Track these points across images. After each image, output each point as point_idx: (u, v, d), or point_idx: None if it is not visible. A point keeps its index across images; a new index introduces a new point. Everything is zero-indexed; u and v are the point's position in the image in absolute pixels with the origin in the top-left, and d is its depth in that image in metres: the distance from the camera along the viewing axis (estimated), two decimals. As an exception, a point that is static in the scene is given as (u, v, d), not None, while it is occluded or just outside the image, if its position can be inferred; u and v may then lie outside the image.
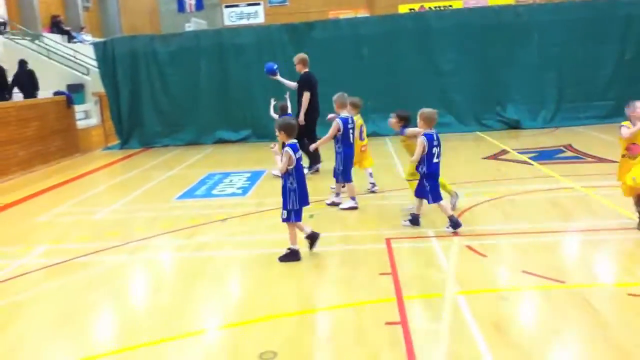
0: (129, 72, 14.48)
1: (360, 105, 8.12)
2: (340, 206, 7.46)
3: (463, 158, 10.64)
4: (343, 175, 7.41)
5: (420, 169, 6.24)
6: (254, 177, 9.93)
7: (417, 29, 13.74)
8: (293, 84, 10.05)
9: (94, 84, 16.41)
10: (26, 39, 18.13)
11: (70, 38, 23.01)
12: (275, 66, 10.38)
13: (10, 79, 13.11)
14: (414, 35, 13.72)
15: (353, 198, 7.44)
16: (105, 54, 14.55)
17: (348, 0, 29.14)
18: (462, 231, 6.13)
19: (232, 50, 14.15)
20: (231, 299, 5.00)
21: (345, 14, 29.47)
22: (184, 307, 4.77)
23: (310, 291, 5.01)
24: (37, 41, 18.12)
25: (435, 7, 27.67)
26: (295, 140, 5.64)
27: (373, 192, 8.17)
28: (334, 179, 7.62)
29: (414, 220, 6.46)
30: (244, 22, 28.74)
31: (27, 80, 13.13)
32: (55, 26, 23.25)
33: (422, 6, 28.38)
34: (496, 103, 13.80)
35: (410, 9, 27.75)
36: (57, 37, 21.22)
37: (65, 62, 17.39)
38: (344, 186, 7.55)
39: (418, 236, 6.18)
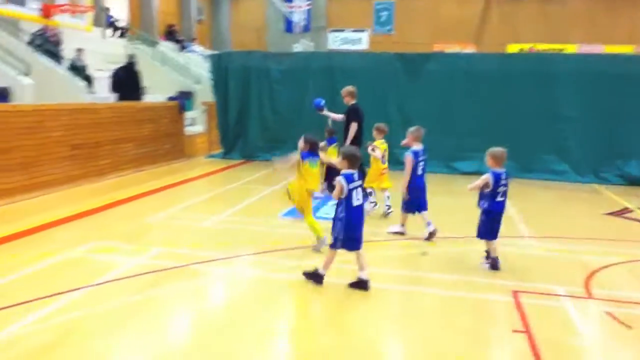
0: (240, 85, 14.78)
1: (386, 131, 8.79)
2: (388, 230, 7.73)
3: (582, 211, 9.93)
4: (407, 205, 7.56)
5: (481, 204, 6.23)
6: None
7: (539, 70, 13.11)
8: (339, 117, 10.37)
9: (203, 93, 16.94)
10: (144, 45, 19.06)
11: (182, 48, 24.06)
12: (323, 102, 10.78)
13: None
14: (534, 77, 13.10)
15: (402, 225, 7.67)
16: (220, 66, 14.94)
17: (455, 34, 28.73)
18: (598, 294, 5.57)
19: (342, 74, 14.09)
20: (344, 338, 4.72)
21: (451, 49, 29.11)
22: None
23: (436, 340, 4.64)
24: (153, 47, 18.95)
25: (546, 50, 26.77)
26: (353, 171, 5.55)
27: (388, 214, 8.52)
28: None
29: (494, 265, 6.24)
30: (348, 47, 28.99)
31: (130, 79, 13.60)
32: (170, 35, 24.40)
33: (532, 47, 27.52)
34: (617, 156, 12.87)
35: (520, 49, 26.98)
36: (170, 46, 22.24)
37: (178, 70, 18.04)
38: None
39: (547, 293, 5.67)
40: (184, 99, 15.53)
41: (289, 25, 28.09)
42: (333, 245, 5.59)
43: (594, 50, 26.26)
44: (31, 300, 4.97)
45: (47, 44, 12.77)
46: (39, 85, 10.92)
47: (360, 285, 5.54)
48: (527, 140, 13.20)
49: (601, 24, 27.34)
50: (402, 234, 7.60)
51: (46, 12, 13.81)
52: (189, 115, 15.66)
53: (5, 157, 8.67)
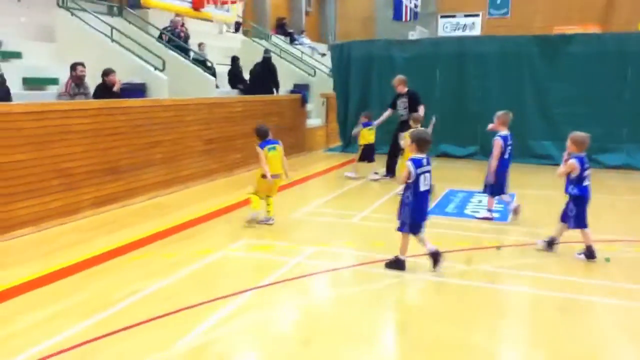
0: (362, 75, 14.35)
1: (421, 120, 9.52)
2: (477, 215, 7.86)
3: None
4: (492, 189, 7.67)
5: (570, 190, 6.08)
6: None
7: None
8: (386, 114, 11.08)
9: (319, 85, 16.67)
10: (257, 38, 19.10)
11: (292, 40, 24.00)
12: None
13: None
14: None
15: (490, 210, 7.79)
16: (341, 57, 14.59)
17: (578, 15, 26.60)
18: None
19: (473, 60, 13.27)
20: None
21: (572, 30, 27.02)
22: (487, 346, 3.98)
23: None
24: (267, 41, 18.95)
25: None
26: (422, 156, 5.54)
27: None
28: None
29: (590, 254, 6.01)
30: (459, 33, 27.71)
31: (267, 74, 13.53)
32: (280, 28, 24.41)
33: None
34: None
35: (654, 29, 24.48)
36: (281, 38, 22.22)
37: (294, 62, 17.90)
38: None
39: None
40: (304, 92, 15.34)
41: (397, 13, 27.32)
42: (401, 229, 5.65)
43: None
44: (203, 303, 4.75)
45: (177, 39, 12.97)
46: (173, 80, 11.05)
47: (435, 256, 5.55)
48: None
49: None
50: (489, 219, 7.69)
51: (198, 3, 13.99)
52: (307, 108, 15.43)
53: (150, 152, 8.74)
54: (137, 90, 10.50)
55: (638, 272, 5.71)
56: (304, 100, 13.97)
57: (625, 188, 10.24)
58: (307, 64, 18.43)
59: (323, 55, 23.48)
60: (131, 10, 13.07)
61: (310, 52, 22.87)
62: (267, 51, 14.09)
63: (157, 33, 13.05)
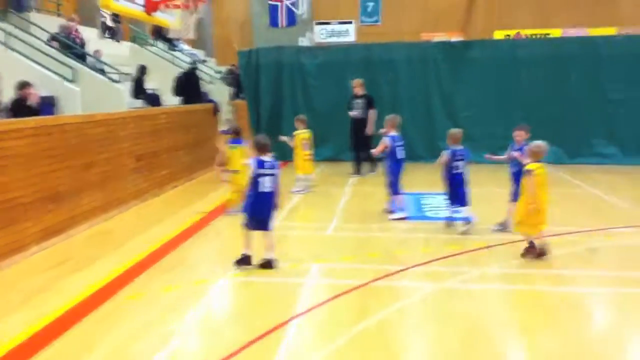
0: (272, 82, 14.08)
1: (306, 121, 10.46)
2: (390, 217, 8.04)
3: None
4: (392, 187, 8.16)
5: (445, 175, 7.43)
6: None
7: (583, 54, 13.03)
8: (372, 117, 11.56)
9: (216, 93, 16.06)
10: (139, 45, 17.90)
11: (172, 46, 22.89)
12: None
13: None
14: (578, 61, 13.01)
15: (402, 209, 8.11)
16: (249, 63, 14.19)
17: (443, 23, 28.61)
18: None
19: (382, 66, 13.62)
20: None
21: (438, 37, 28.98)
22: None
23: None
24: (154, 46, 17.88)
25: (532, 35, 27.03)
26: (267, 159, 5.87)
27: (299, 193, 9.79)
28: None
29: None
30: (334, 40, 28.41)
31: (191, 84, 12.88)
32: (158, 33, 23.14)
33: (518, 33, 27.72)
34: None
35: (506, 35, 27.12)
36: (161, 45, 21.07)
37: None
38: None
39: None
40: (214, 100, 14.68)
41: (273, 19, 27.24)
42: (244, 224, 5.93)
43: (578, 33, 26.73)
44: (270, 332, 4.28)
45: (74, 45, 11.65)
46: (84, 92, 9.91)
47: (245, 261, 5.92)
48: (575, 125, 13.13)
49: (583, 6, 27.81)
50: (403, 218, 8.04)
51: (151, 6, 12.64)
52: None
53: (86, 174, 7.74)
54: (45, 104, 9.23)
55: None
56: (216, 109, 13.36)
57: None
58: (204, 72, 17.64)
59: (204, 61, 22.69)
60: (16, 14, 11.52)
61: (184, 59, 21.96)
62: (193, 62, 13.35)
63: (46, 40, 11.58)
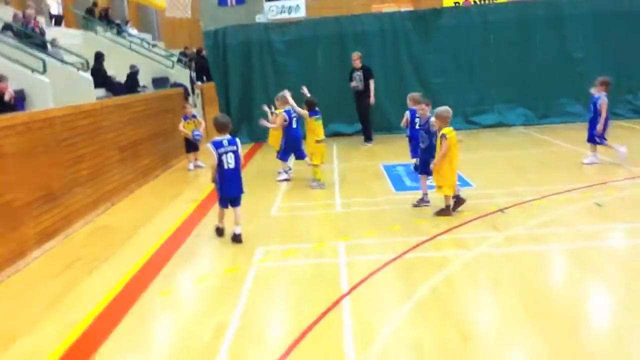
0: (241, 62, 13.72)
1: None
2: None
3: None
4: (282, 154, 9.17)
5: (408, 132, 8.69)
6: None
7: (549, 16, 13.29)
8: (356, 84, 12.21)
9: (177, 77, 15.55)
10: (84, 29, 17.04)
11: (119, 32, 21.95)
12: None
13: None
14: (544, 23, 13.28)
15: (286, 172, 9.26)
16: (216, 43, 13.78)
17: (392, -7, 28.61)
18: None
19: (353, 39, 13.47)
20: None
21: (388, 8, 28.94)
22: None
23: None
24: (113, 34, 17.09)
25: (481, 1, 27.38)
26: (223, 137, 6.10)
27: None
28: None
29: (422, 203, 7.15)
30: (285, 16, 27.93)
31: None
32: (104, 19, 22.13)
33: (466, 0, 28.03)
34: (627, 92, 13.43)
35: (455, 3, 27.35)
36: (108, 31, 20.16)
37: (149, 55, 16.44)
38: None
39: None
40: (158, 86, 14.22)
41: (221, -2, 26.56)
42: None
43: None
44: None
45: (33, 34, 10.95)
46: (53, 84, 9.34)
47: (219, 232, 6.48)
48: (543, 86, 13.43)
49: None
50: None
51: None
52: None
53: (76, 169, 7.32)
54: (17, 99, 8.67)
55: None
56: (187, 94, 12.93)
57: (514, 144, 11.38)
58: (143, 55, 16.94)
59: (154, 46, 21.90)
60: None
61: (140, 43, 21.17)
62: (133, 66, 12.85)
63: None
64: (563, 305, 4.26)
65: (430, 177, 6.89)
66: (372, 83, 11.98)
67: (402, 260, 5.32)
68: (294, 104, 8.75)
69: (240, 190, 6.18)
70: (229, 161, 6.01)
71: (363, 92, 12.00)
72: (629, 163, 8.45)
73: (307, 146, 8.80)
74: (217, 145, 5.98)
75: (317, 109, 8.57)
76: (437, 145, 6.60)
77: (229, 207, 6.21)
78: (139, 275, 5.49)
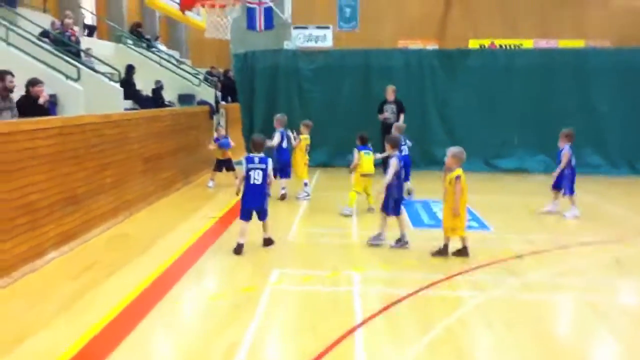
0: (267, 86, 13.94)
1: (311, 126, 10.41)
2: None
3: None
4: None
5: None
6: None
7: (575, 65, 13.37)
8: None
9: (204, 95, 15.81)
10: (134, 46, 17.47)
11: (149, 47, 22.41)
12: None
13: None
14: (570, 72, 13.34)
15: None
16: (245, 66, 14.04)
17: (419, 31, 29.01)
18: None
19: (379, 72, 13.63)
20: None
21: (414, 44, 29.34)
22: None
23: None
24: (147, 49, 17.45)
25: (505, 45, 27.69)
26: (256, 154, 6.65)
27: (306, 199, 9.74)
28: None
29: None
30: (312, 44, 28.37)
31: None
32: (136, 34, 22.62)
33: (492, 42, 28.34)
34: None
35: (480, 45, 27.69)
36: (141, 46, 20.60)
37: (176, 71, 16.75)
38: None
39: None
40: (183, 103, 14.47)
41: (251, 22, 27.00)
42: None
43: (548, 44, 27.53)
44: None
45: (70, 42, 11.22)
46: (85, 92, 9.56)
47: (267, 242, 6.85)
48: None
49: (551, 19, 28.72)
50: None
51: (186, 4, 12.41)
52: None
53: (101, 176, 7.46)
54: (50, 103, 8.86)
55: None
56: (212, 112, 13.13)
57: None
58: (190, 72, 17.36)
59: (181, 63, 22.32)
60: (9, 8, 11.03)
61: (168, 59, 21.60)
62: (158, 82, 13.17)
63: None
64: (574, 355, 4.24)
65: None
66: (402, 116, 12.22)
67: (417, 297, 5.33)
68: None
69: (260, 204, 6.56)
70: (256, 177, 6.49)
71: (392, 125, 11.87)
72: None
73: (354, 177, 8.65)
74: (249, 160, 6.55)
75: (369, 144, 8.66)
76: (446, 186, 6.45)
77: (258, 220, 6.63)
78: (155, 284, 5.55)
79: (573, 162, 8.92)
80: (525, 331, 4.61)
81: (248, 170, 6.49)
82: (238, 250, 6.47)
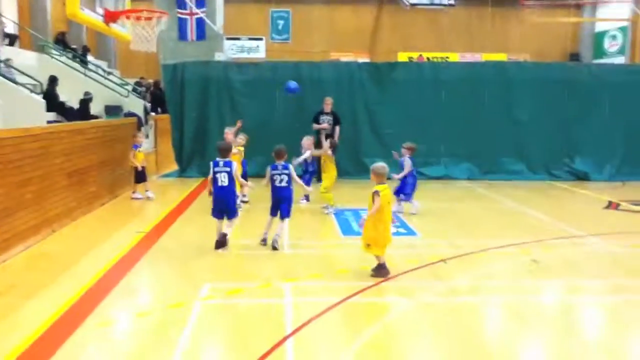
0: (198, 98, 13.79)
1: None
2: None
3: (578, 207, 10.82)
4: None
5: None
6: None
7: (497, 78, 14.03)
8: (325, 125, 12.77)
9: (131, 106, 15.48)
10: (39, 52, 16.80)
11: (82, 57, 21.66)
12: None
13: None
14: (493, 84, 13.98)
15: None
16: (174, 77, 13.81)
17: (350, 44, 29.54)
18: None
19: (310, 85, 13.77)
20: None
21: (346, 57, 29.87)
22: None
23: None
24: (62, 57, 16.86)
25: (433, 58, 28.63)
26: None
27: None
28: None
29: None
30: (244, 55, 28.32)
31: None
32: (61, 43, 21.81)
33: (420, 55, 29.23)
34: (565, 155, 14.20)
35: (409, 58, 28.50)
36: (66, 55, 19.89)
37: (102, 82, 16.29)
38: None
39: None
40: (111, 115, 14.14)
41: (182, 33, 26.66)
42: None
43: (473, 58, 28.69)
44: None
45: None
46: (6, 105, 9.14)
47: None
48: (487, 143, 14.05)
49: (477, 34, 29.97)
50: None
51: (110, 17, 12.03)
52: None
53: (21, 192, 7.13)
54: (-38, 116, 8.45)
55: (584, 267, 6.73)
56: (140, 124, 12.84)
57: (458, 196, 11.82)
58: (98, 82, 16.80)
59: (109, 73, 21.73)
60: None
61: (95, 70, 20.99)
62: (87, 93, 12.78)
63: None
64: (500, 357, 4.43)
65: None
66: (337, 129, 12.63)
67: (345, 305, 5.41)
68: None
69: (227, 203, 7.24)
70: (223, 179, 7.15)
71: (330, 135, 12.13)
72: (565, 223, 8.92)
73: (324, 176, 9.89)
74: (215, 164, 7.20)
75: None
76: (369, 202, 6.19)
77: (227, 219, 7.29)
78: (77, 306, 5.34)
79: (414, 170, 9.85)
80: (450, 335, 4.78)
81: (215, 173, 7.14)
82: (218, 245, 7.14)
